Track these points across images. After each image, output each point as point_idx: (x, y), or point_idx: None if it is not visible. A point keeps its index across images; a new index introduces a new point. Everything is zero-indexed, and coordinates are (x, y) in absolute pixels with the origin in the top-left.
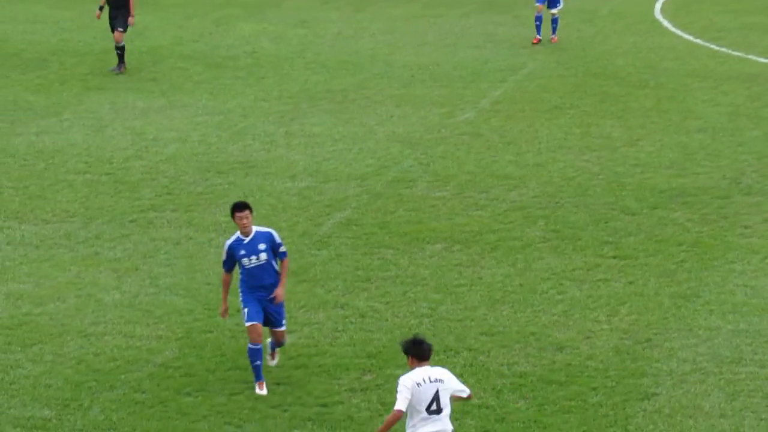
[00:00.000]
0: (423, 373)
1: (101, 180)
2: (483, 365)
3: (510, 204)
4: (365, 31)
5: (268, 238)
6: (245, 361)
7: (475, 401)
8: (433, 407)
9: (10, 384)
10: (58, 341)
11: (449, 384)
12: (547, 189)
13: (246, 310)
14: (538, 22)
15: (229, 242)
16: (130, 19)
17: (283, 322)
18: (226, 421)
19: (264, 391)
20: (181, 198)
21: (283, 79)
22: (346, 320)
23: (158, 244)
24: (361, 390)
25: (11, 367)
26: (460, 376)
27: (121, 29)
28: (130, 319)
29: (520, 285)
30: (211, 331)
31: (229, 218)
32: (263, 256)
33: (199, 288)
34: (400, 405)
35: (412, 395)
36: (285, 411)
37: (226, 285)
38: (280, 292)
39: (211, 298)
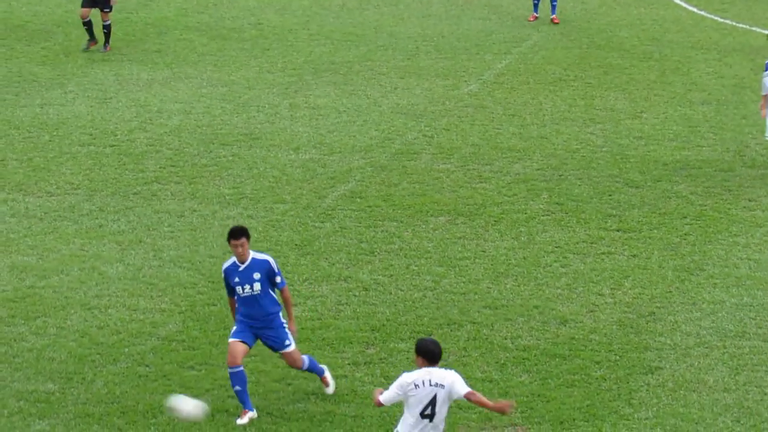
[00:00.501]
0: (425, 375)
1: (105, 152)
2: (486, 339)
3: (514, 176)
4: (370, 2)
5: (264, 267)
6: None
7: (478, 375)
8: (427, 411)
9: (14, 357)
10: (62, 314)
11: (451, 388)
12: (551, 161)
13: (233, 328)
14: (536, 0)
15: (225, 266)
16: None
17: (287, 343)
18: (229, 395)
19: (245, 421)
20: (185, 170)
21: (287, 50)
22: (350, 293)
23: (162, 217)
24: (365, 363)
25: (14, 340)
26: (463, 350)
27: (107, 9)
28: (134, 292)
29: (524, 258)
30: (214, 304)
31: (232, 190)
32: (257, 286)
33: (203, 261)
34: (384, 398)
35: (406, 395)
36: (288, 384)
37: (234, 308)
38: (293, 328)
39: (214, 271)
